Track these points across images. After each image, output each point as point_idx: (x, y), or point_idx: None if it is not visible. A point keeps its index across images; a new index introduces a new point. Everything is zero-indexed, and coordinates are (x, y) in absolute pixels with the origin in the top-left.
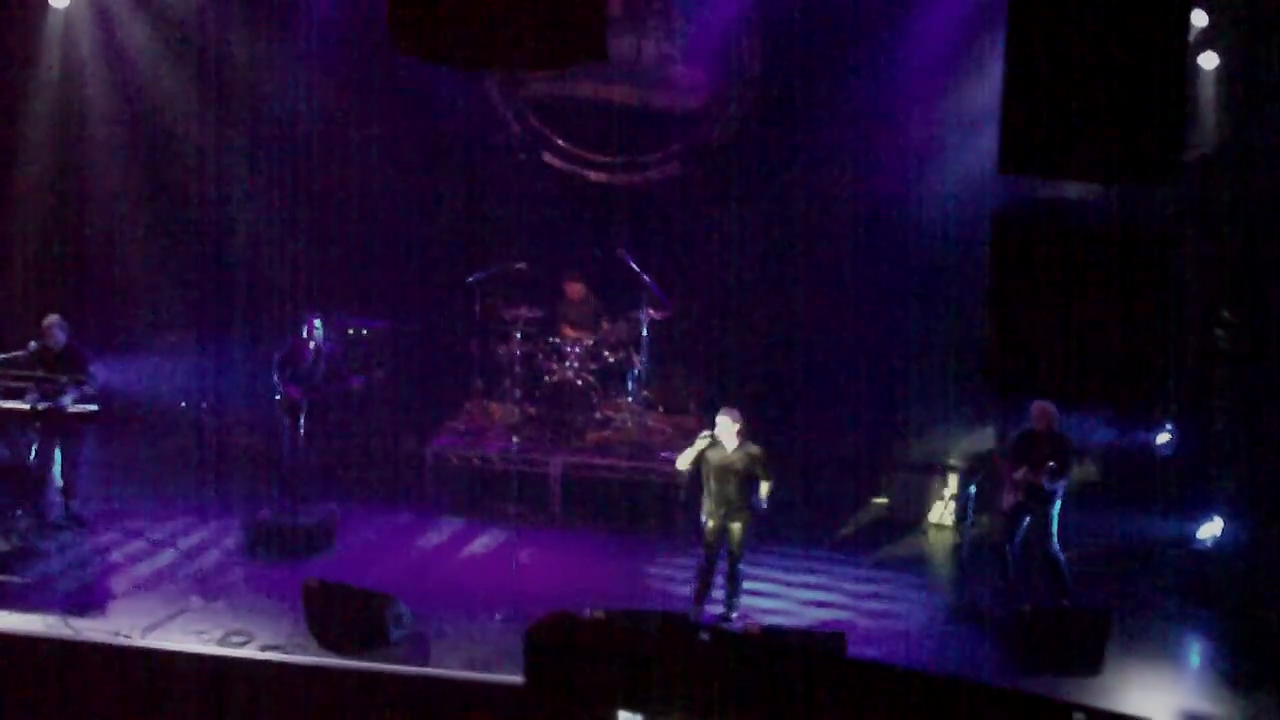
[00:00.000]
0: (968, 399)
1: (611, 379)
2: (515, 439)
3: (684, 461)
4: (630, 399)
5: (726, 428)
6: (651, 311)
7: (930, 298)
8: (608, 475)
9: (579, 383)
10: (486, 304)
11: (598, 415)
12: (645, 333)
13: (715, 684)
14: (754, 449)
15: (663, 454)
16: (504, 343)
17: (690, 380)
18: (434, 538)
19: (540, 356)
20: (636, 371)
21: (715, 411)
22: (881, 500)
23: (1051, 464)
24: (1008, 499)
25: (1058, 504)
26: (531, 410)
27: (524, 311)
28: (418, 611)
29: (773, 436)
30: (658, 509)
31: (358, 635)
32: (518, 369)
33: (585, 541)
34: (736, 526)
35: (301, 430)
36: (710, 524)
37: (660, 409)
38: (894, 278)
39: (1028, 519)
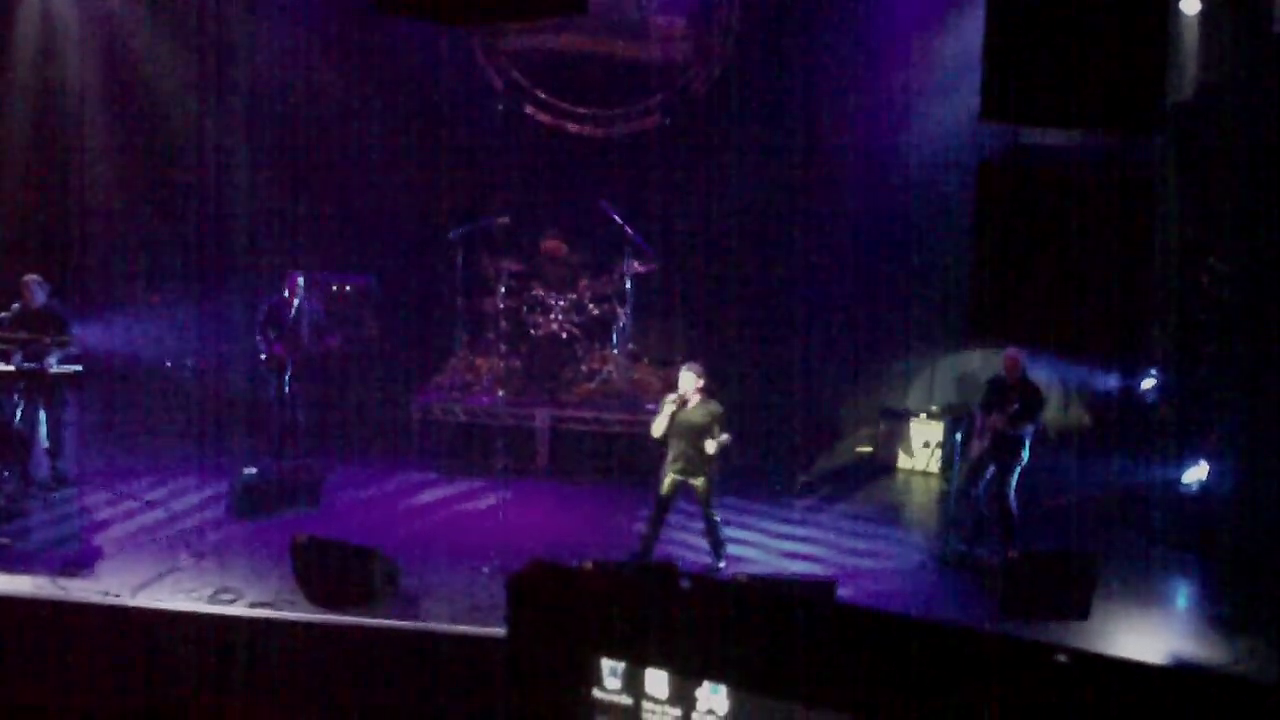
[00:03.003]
0: (955, 346)
1: (597, 332)
2: (501, 393)
3: (658, 428)
4: (616, 351)
5: (689, 383)
6: (636, 264)
7: (917, 246)
8: (594, 428)
9: (564, 336)
10: (470, 259)
11: (584, 368)
12: (629, 285)
13: (699, 632)
14: (714, 405)
15: (649, 406)
16: (488, 297)
17: (676, 332)
18: (421, 492)
19: (524, 310)
20: (621, 324)
21: (705, 361)
22: (866, 448)
23: (1014, 406)
24: (975, 445)
25: (1024, 454)
26: (517, 364)
27: (508, 265)
28: (406, 566)
29: (758, 385)
30: (645, 461)
31: (346, 591)
32: (502, 323)
33: (573, 494)
34: (700, 482)
35: (287, 388)
36: (668, 478)
37: (646, 361)
38: (880, 226)
39: (992, 467)
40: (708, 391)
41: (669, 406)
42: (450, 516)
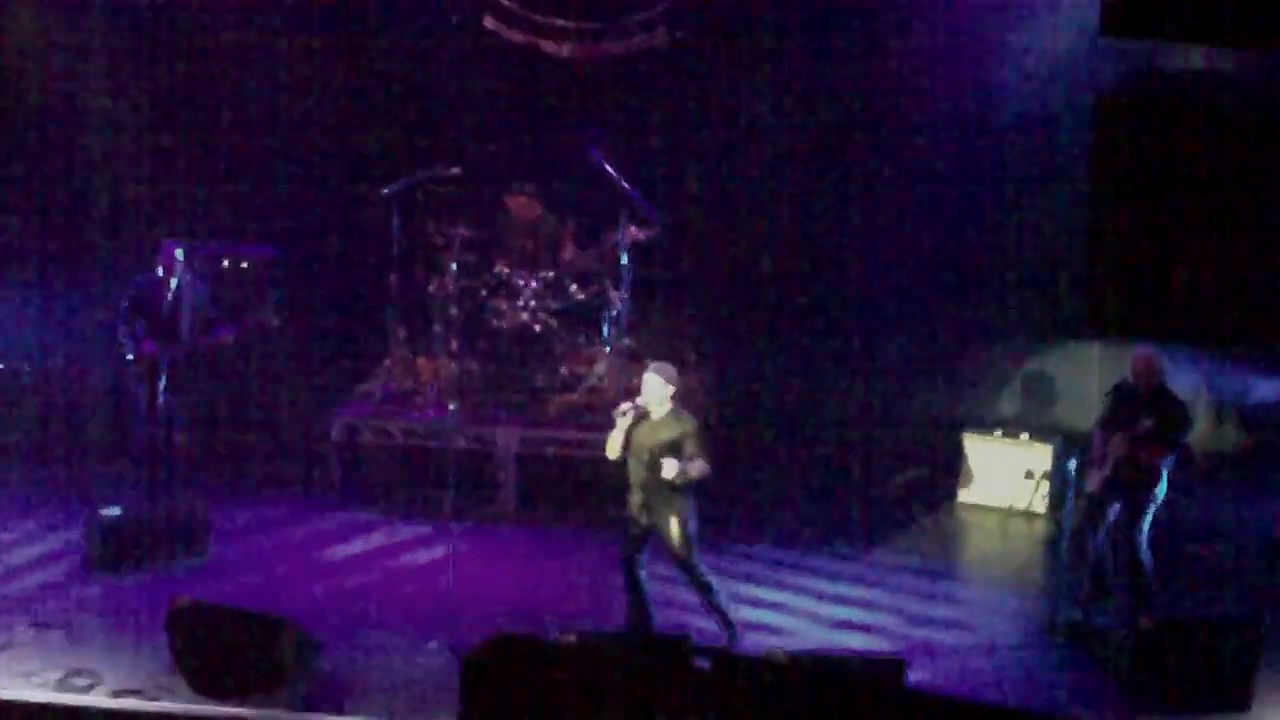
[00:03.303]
0: (1063, 344)
1: (582, 323)
2: (452, 406)
3: (614, 448)
4: (607, 349)
5: (655, 389)
6: (634, 230)
7: (1010, 210)
8: (578, 454)
9: (538, 328)
10: (410, 224)
11: (564, 372)
12: (626, 260)
13: None
14: (687, 419)
15: None
16: (435, 276)
17: (687, 322)
18: (345, 541)
19: (485, 294)
20: (615, 312)
21: (726, 361)
22: (921, 472)
23: (1146, 422)
24: (1094, 476)
25: (1159, 487)
26: (474, 367)
27: (460, 233)
28: (326, 639)
29: (793, 394)
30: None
31: (244, 673)
32: (454, 311)
33: (548, 544)
34: (672, 523)
35: (161, 399)
36: (633, 522)
37: (648, 362)
38: (960, 184)
39: (1117, 505)
40: (681, 400)
41: (624, 419)
42: (384, 573)
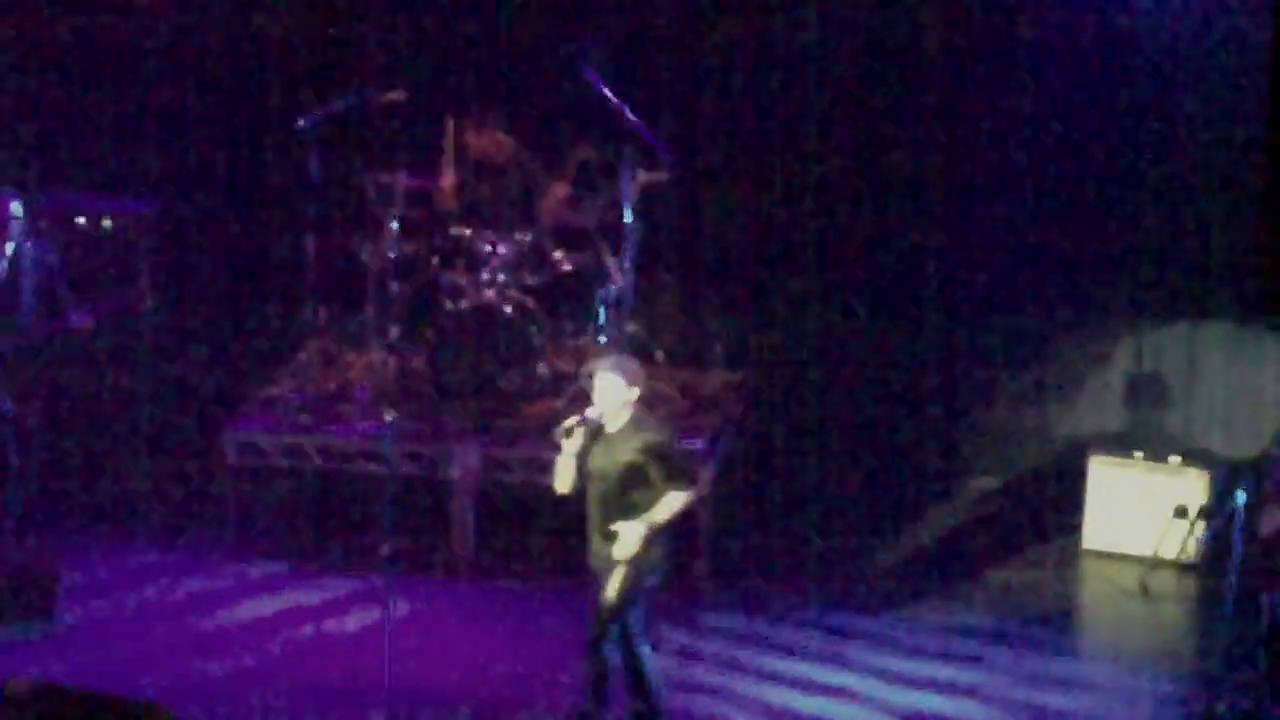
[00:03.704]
0: (1221, 338)
1: (569, 303)
2: (390, 416)
3: (563, 478)
4: (602, 340)
5: (612, 394)
6: (640, 175)
7: (1149, 166)
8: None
9: (508, 310)
10: (333, 168)
11: (543, 370)
12: (629, 216)
13: None
14: (651, 431)
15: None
16: (367, 239)
17: (710, 304)
18: (242, 600)
19: (436, 263)
20: (614, 289)
21: (763, 357)
22: (993, 481)
23: None
24: (1270, 519)
25: None
26: (420, 364)
27: (403, 181)
28: None
29: (849, 404)
30: (654, 547)
31: None
32: (394, 287)
33: (517, 605)
34: (620, 570)
35: None
36: (597, 575)
37: (657, 355)
38: (1085, 131)
39: None
40: (647, 407)
41: (571, 441)
42: (294, 646)
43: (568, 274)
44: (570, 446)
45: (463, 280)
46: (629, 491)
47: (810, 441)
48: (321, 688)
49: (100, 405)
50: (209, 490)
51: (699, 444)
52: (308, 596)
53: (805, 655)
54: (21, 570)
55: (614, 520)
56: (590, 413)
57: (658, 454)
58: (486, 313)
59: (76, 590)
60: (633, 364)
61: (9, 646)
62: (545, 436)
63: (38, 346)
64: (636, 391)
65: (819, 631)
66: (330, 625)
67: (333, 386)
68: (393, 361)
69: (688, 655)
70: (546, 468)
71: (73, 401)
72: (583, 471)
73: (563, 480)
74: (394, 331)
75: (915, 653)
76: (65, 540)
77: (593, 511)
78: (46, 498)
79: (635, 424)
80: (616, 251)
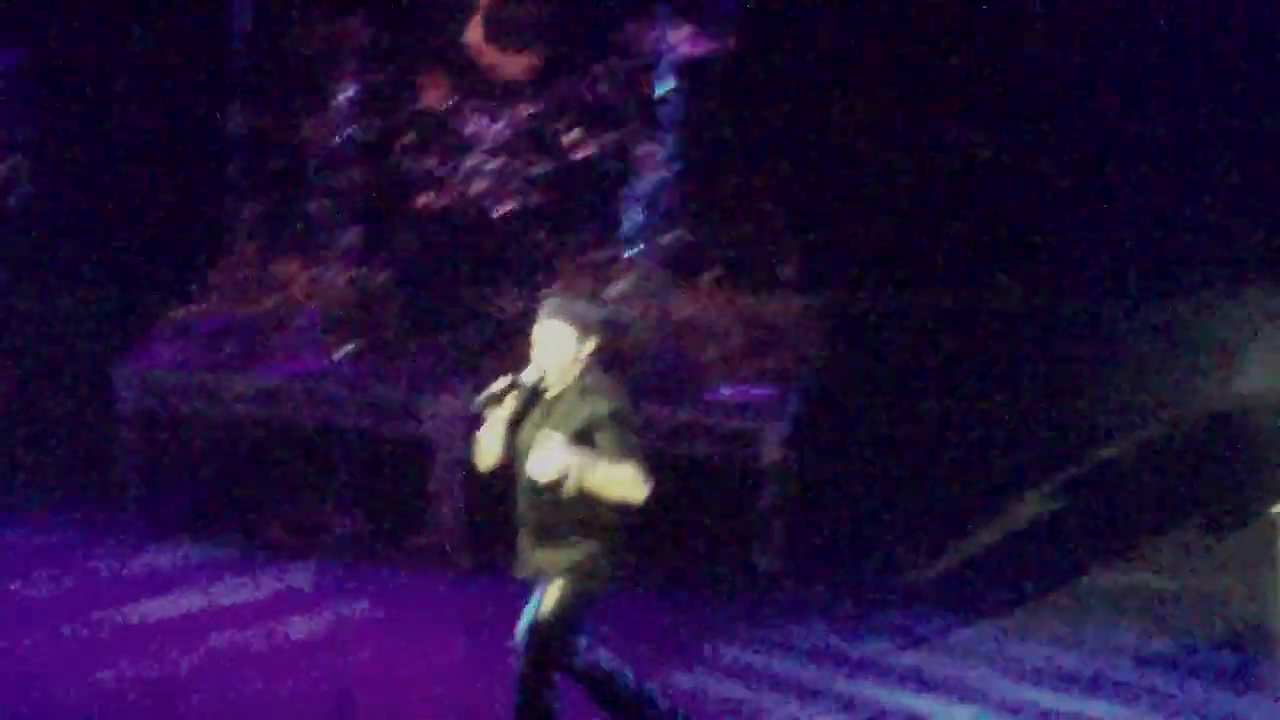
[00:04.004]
0: None
1: (587, 202)
2: (344, 349)
3: (486, 452)
4: (632, 252)
5: (557, 346)
6: (685, 33)
7: None
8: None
9: (505, 210)
10: (264, 12)
11: (550, 290)
12: (669, 86)
13: None
14: (602, 400)
15: (722, 392)
16: (312, 109)
17: (776, 206)
18: (147, 595)
19: (405, 144)
20: (648, 183)
21: (845, 281)
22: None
23: None
24: None
25: None
26: (385, 280)
27: (358, 29)
28: None
29: (951, 341)
30: (700, 529)
31: None
32: (350, 175)
33: (513, 603)
34: (556, 584)
35: None
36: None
37: (707, 279)
38: (1227, 86)
39: None
40: (604, 365)
41: (499, 404)
42: (217, 658)
43: (585, 163)
44: (497, 414)
45: (442, 168)
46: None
47: (905, 389)
48: (250, 712)
49: None
50: (102, 449)
51: (761, 392)
52: (233, 592)
53: (884, 675)
54: None
55: (548, 517)
56: (526, 373)
57: (610, 419)
58: (475, 213)
59: None
60: (583, 308)
61: None
62: None
63: None
64: (591, 345)
65: (905, 644)
66: (263, 631)
67: (266, 309)
68: (345, 276)
69: (751, 676)
70: None
71: None
72: (511, 444)
73: (485, 453)
74: (348, 237)
75: (1038, 677)
76: None
77: (521, 502)
78: None
79: (583, 390)
80: (652, 136)
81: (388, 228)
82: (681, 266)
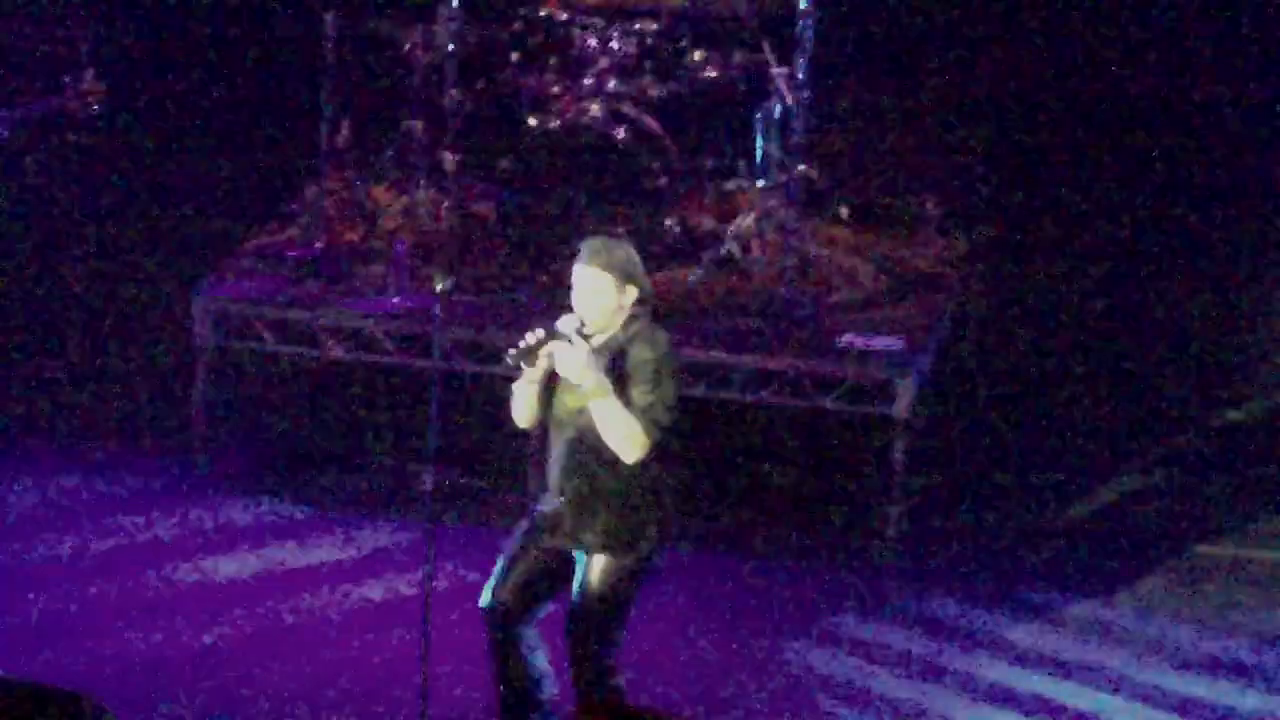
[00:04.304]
0: None
1: (713, 128)
2: (441, 285)
3: (524, 408)
4: (762, 183)
5: (593, 294)
6: None
7: None
8: (691, 392)
9: (620, 135)
10: None
11: (672, 225)
12: (805, 3)
13: None
14: (647, 347)
15: (851, 340)
16: (411, 21)
17: (927, 134)
18: (216, 551)
19: (515, 61)
20: (780, 108)
21: (1006, 224)
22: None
23: None
24: None
25: None
26: (488, 210)
27: None
28: None
29: (1133, 293)
30: (819, 489)
31: None
32: (451, 94)
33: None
34: (601, 560)
35: None
36: (537, 537)
37: (843, 210)
38: None
39: None
40: (651, 311)
41: (535, 358)
42: (290, 620)
43: (713, 83)
44: (532, 372)
45: (554, 87)
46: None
47: (1057, 343)
48: (323, 683)
49: (17, 254)
50: (168, 384)
51: (897, 344)
52: (310, 550)
53: (1021, 656)
54: None
55: (587, 482)
56: (562, 323)
57: (645, 364)
58: (589, 138)
59: None
60: (629, 253)
61: None
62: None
63: None
64: (633, 293)
65: (1060, 626)
66: (342, 594)
67: (355, 239)
68: (445, 205)
69: (864, 650)
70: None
71: None
72: (548, 399)
73: (523, 409)
74: (449, 161)
75: (1166, 659)
76: None
77: (557, 452)
78: None
79: (629, 340)
80: (789, 61)
81: (492, 152)
82: (812, 202)
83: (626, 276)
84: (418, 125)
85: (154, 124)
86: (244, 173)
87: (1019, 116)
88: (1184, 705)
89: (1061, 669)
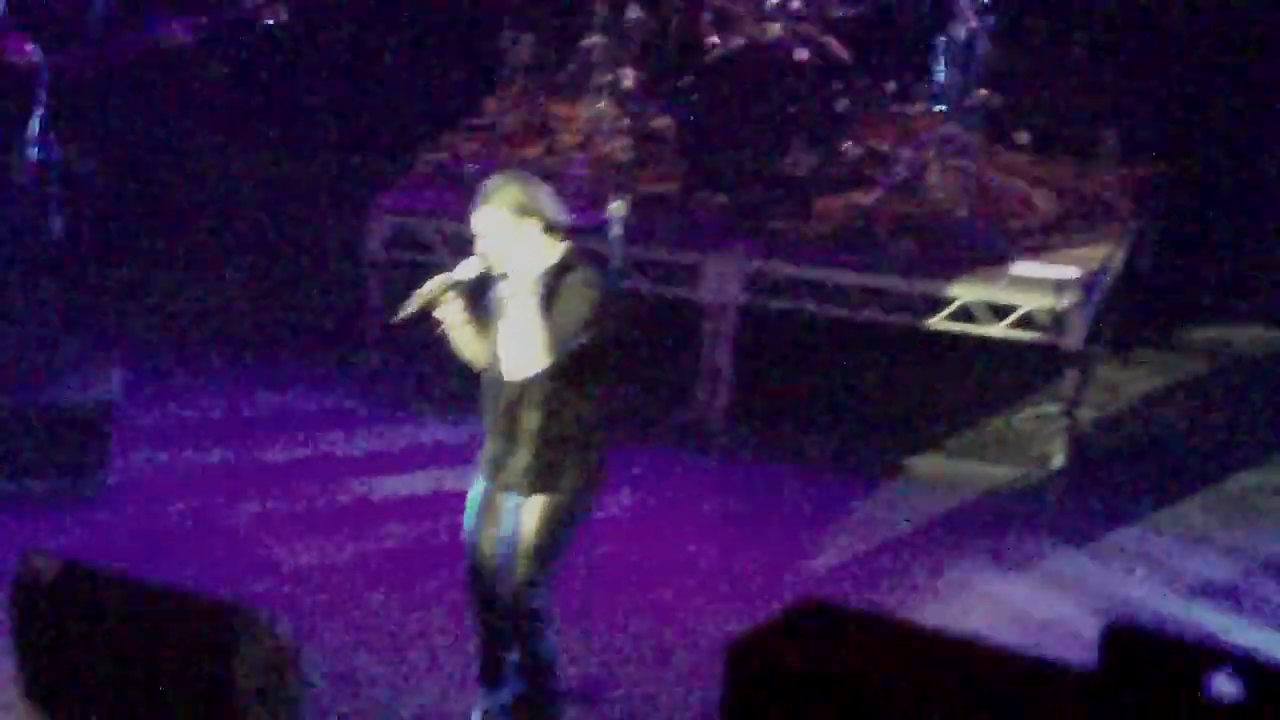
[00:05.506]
0: None
1: (891, 50)
2: (615, 203)
3: (472, 343)
4: (942, 109)
5: (489, 228)
6: None
7: None
8: (862, 316)
9: (802, 57)
10: None
11: (850, 148)
12: None
13: None
14: (576, 274)
15: (1025, 267)
16: None
17: (1104, 61)
18: (388, 470)
19: None
20: (961, 32)
21: (1187, 148)
22: None
23: None
24: None
25: None
26: (665, 123)
27: None
28: (337, 652)
29: None
30: (987, 419)
31: (149, 706)
32: (631, 11)
33: (792, 494)
34: (534, 503)
35: (39, 153)
36: (480, 500)
37: (1022, 136)
38: None
39: None
40: (586, 254)
41: (441, 305)
42: (450, 538)
43: (895, 7)
44: (452, 320)
45: (737, 6)
46: (550, 381)
47: (1226, 280)
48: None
49: (193, 163)
50: (342, 303)
51: (1072, 273)
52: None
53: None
54: (63, 405)
55: (512, 422)
56: (462, 267)
57: (572, 287)
58: (770, 57)
59: (134, 435)
60: (522, 188)
61: (46, 507)
62: (846, 249)
63: (109, 69)
64: (535, 224)
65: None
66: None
67: (533, 154)
68: (625, 121)
69: (1033, 584)
70: (848, 295)
71: (152, 156)
72: (483, 332)
73: (471, 345)
74: (628, 77)
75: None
76: (125, 359)
77: (488, 395)
78: (103, 296)
79: (555, 275)
80: None
81: (671, 70)
82: (992, 128)
83: (521, 210)
84: (598, 42)
85: (334, 37)
86: (424, 86)
87: (1204, 46)
88: None
89: (1066, 588)
